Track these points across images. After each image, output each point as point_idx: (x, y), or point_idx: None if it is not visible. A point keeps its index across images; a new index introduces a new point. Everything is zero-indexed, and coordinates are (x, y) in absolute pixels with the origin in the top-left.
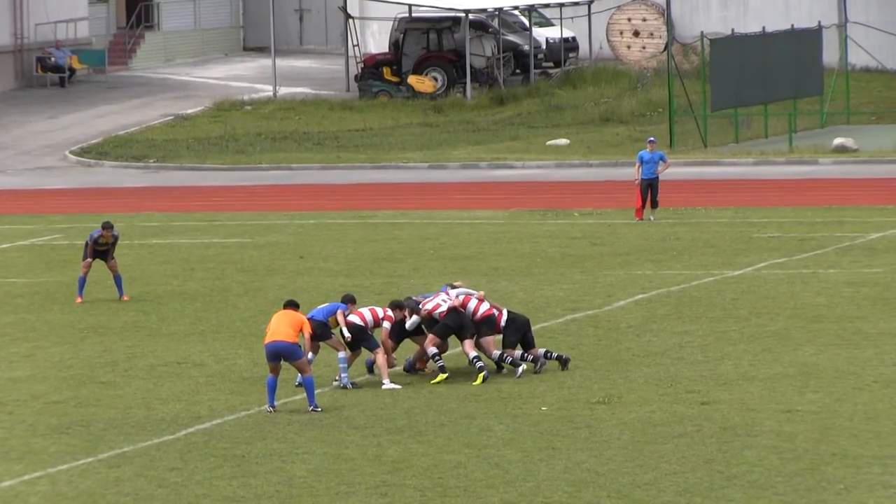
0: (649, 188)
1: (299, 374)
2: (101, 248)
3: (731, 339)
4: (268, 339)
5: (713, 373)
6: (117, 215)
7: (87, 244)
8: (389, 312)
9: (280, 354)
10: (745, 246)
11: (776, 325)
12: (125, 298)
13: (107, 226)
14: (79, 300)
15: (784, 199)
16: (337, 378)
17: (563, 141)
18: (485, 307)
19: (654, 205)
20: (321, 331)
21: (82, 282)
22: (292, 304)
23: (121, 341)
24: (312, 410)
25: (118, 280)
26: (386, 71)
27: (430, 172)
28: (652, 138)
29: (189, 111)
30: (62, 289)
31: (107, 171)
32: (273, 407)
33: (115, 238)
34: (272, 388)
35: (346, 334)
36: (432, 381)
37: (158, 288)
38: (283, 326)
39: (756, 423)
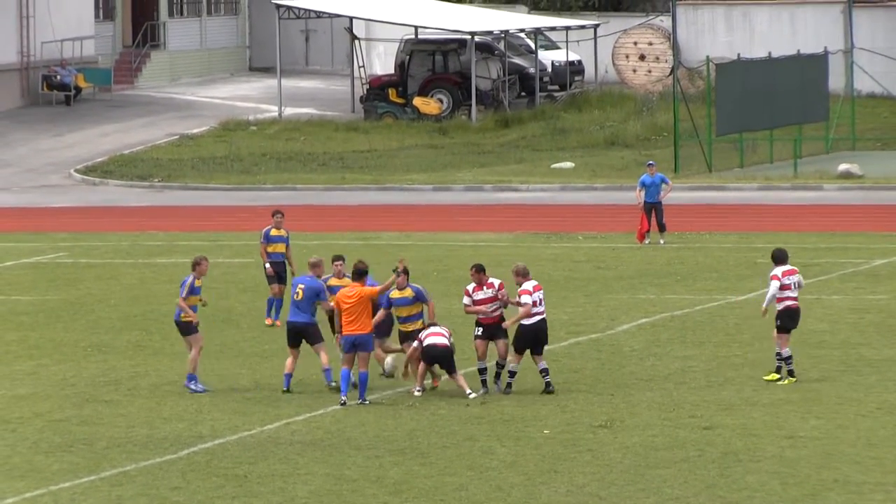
0: (653, 211)
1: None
2: (276, 246)
3: (734, 364)
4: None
5: (716, 397)
6: (122, 234)
7: (261, 246)
8: None
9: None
10: (749, 271)
11: None
12: (277, 324)
13: (277, 212)
14: (268, 321)
15: (788, 225)
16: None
17: (568, 164)
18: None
19: (662, 228)
20: None
21: (271, 303)
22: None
23: (124, 360)
24: (361, 403)
25: (277, 303)
26: (391, 92)
27: (435, 194)
28: (651, 161)
29: (194, 131)
30: (66, 307)
31: (111, 189)
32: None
33: (288, 233)
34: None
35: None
36: None
37: (162, 307)
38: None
39: (758, 449)
